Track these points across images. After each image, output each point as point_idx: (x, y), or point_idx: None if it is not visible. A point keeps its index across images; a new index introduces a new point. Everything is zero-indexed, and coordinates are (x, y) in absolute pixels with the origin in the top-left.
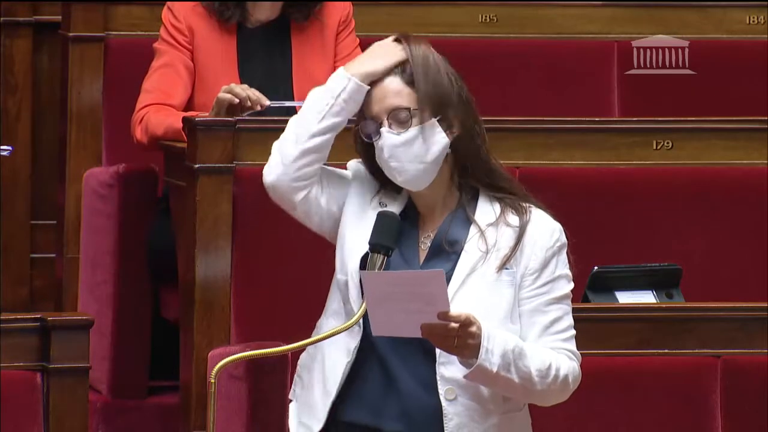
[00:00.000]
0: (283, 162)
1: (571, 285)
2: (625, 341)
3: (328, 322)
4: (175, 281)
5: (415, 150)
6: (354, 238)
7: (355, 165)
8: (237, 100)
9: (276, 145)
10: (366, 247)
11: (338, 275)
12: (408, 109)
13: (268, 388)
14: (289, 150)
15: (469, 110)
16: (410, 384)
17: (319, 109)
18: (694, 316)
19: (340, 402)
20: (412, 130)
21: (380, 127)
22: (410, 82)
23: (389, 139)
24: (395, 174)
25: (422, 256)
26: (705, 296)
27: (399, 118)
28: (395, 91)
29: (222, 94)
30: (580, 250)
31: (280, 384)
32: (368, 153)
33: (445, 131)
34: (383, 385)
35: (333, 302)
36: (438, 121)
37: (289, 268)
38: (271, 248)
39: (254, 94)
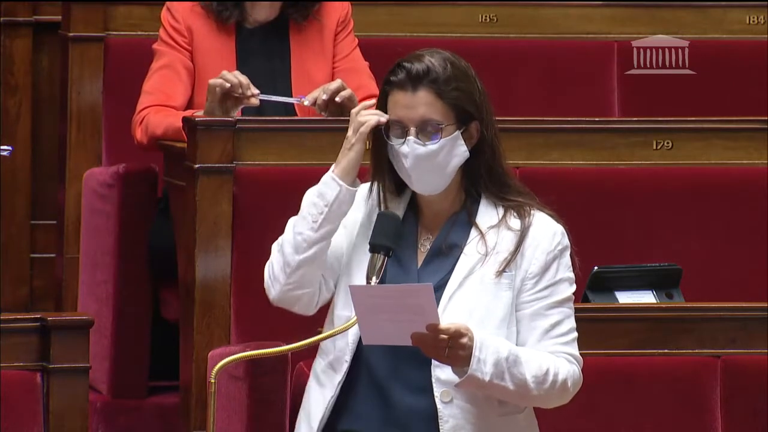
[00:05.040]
0: (284, 270)
1: (573, 287)
2: (625, 341)
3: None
4: (175, 281)
5: (438, 161)
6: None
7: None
8: (228, 85)
9: (275, 248)
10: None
11: (340, 311)
12: (439, 123)
13: (268, 388)
14: (289, 259)
15: (488, 120)
16: (404, 387)
17: (314, 218)
18: (694, 316)
19: (334, 414)
20: (439, 143)
21: (406, 134)
22: (441, 95)
23: (415, 149)
24: (413, 181)
25: (420, 258)
26: (705, 296)
27: (427, 129)
28: (427, 102)
29: (213, 81)
30: (580, 250)
31: (280, 384)
32: (381, 152)
33: (465, 141)
34: (376, 390)
35: (327, 342)
36: (461, 132)
37: None
38: (270, 248)
39: (245, 79)
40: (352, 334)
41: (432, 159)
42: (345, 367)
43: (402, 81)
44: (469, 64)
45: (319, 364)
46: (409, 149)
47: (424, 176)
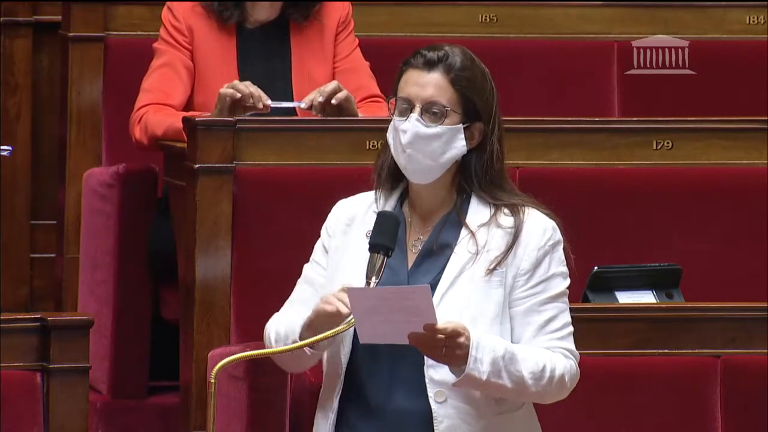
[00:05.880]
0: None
1: (567, 282)
2: (625, 341)
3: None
4: (175, 281)
5: (434, 147)
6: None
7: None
8: (239, 96)
9: (272, 332)
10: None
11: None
12: (445, 106)
13: (268, 388)
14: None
15: (494, 128)
16: (398, 389)
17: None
18: (694, 316)
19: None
20: (441, 128)
21: (411, 111)
22: (453, 82)
23: (416, 126)
24: (407, 161)
25: (411, 259)
26: (705, 296)
27: (432, 111)
28: (438, 84)
29: (224, 90)
30: (580, 250)
31: (280, 384)
32: (387, 152)
33: (465, 140)
34: (371, 397)
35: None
36: (463, 128)
37: (290, 268)
38: (271, 248)
39: (256, 90)
40: (345, 346)
41: (429, 142)
42: (340, 379)
43: (419, 63)
44: (487, 69)
45: (321, 392)
46: (409, 125)
47: (417, 158)
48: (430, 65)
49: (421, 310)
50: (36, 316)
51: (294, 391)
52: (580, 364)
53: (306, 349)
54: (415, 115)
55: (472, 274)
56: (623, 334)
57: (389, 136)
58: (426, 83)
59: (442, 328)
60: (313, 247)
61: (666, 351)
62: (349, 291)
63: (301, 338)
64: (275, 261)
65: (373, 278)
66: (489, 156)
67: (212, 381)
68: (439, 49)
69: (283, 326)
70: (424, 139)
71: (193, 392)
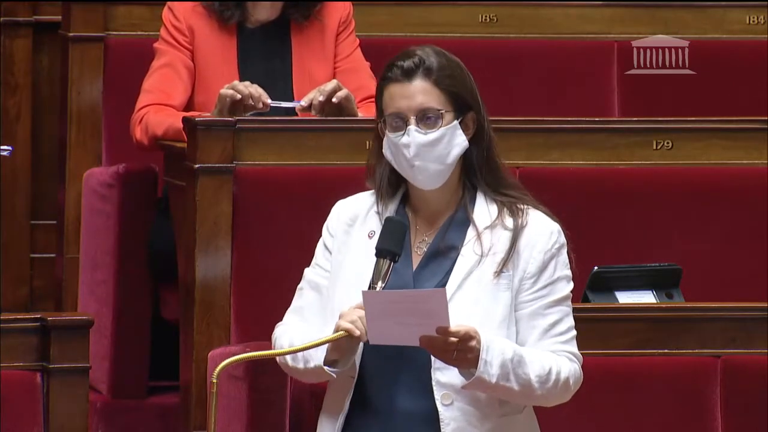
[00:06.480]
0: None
1: (571, 285)
2: (625, 341)
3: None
4: (175, 281)
5: (439, 150)
6: (352, 282)
7: (333, 215)
8: (239, 96)
9: (283, 341)
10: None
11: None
12: (438, 109)
13: (268, 388)
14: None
15: (482, 112)
16: (405, 391)
17: (305, 361)
18: (694, 316)
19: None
20: (440, 131)
21: (406, 124)
22: (437, 83)
23: (417, 137)
24: (416, 173)
25: (416, 261)
26: (705, 296)
27: (427, 117)
28: (424, 90)
29: (224, 90)
30: (580, 250)
31: (280, 384)
32: (380, 156)
33: (463, 132)
34: (377, 398)
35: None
36: (459, 123)
37: (290, 268)
38: (271, 248)
39: (256, 90)
40: (358, 350)
41: (434, 148)
42: (353, 382)
43: (397, 75)
44: (460, 60)
45: (327, 394)
46: (410, 138)
47: (426, 166)
48: (409, 74)
49: (435, 314)
50: (36, 316)
51: (294, 391)
52: (581, 364)
53: (328, 369)
54: (412, 126)
55: (479, 277)
56: (623, 334)
57: (387, 154)
58: (412, 93)
59: (455, 331)
60: (313, 247)
61: (666, 351)
62: (365, 294)
63: (326, 363)
64: (275, 261)
65: (379, 283)
66: (488, 141)
67: (214, 381)
68: (412, 55)
69: (299, 341)
70: (428, 146)
71: (193, 392)
